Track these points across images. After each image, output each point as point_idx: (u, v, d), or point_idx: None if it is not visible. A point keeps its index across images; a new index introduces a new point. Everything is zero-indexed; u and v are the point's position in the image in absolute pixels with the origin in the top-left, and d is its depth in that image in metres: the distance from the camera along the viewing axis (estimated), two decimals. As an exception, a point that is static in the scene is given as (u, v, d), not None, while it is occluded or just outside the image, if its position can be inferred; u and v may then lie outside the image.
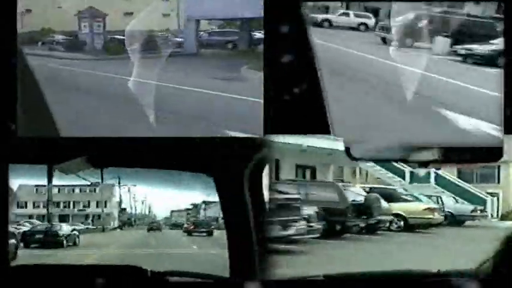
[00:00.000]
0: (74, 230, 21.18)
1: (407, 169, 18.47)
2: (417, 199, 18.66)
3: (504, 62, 5.21)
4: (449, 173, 19.21)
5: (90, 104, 15.38)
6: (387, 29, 19.16)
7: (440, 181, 19.96)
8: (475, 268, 2.84)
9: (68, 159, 4.56)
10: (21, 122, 3.84)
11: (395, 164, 15.75)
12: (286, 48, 4.46)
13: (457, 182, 20.20)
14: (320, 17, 22.70)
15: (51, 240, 20.00)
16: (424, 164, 3.87)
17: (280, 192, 12.98)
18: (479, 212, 19.76)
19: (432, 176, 19.68)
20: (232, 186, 4.60)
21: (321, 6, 23.56)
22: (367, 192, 16.05)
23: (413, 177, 19.33)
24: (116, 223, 22.97)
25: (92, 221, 22.70)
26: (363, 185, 17.22)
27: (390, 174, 18.78)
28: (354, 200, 15.44)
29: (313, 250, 13.53)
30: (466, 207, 19.63)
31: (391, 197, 17.53)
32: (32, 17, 20.23)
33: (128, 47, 18.48)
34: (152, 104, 14.78)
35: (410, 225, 17.59)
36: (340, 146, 4.04)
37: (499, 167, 19.79)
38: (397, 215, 17.28)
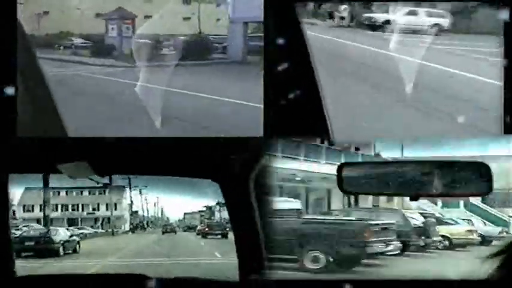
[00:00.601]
0: (73, 235, 20.14)
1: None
2: (456, 222, 22.00)
3: (504, 63, 5.38)
4: (475, 199, 22.31)
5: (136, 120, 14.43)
6: None
7: (468, 206, 23.17)
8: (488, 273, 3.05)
9: (70, 160, 4.74)
10: (28, 122, 4.01)
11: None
12: (285, 54, 4.68)
13: (483, 207, 23.32)
14: (380, 17, 19.79)
15: (44, 247, 18.48)
16: (415, 198, 4.15)
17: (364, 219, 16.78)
18: (505, 233, 22.73)
19: (461, 201, 22.68)
20: (238, 191, 4.80)
21: (371, 5, 20.20)
22: (425, 218, 19.70)
23: (445, 203, 22.58)
24: (127, 226, 22.91)
25: (102, 224, 22.41)
26: (419, 211, 20.46)
27: (424, 200, 21.26)
28: (414, 224, 18.79)
29: (391, 264, 16.71)
30: (494, 229, 22.71)
31: (436, 220, 21.08)
32: (50, 19, 19.73)
33: (159, 53, 17.72)
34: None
35: (452, 245, 21.08)
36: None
37: (518, 192, 23.30)
38: (443, 236, 20.73)
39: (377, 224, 16.66)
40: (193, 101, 15.77)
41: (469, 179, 4.03)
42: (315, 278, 14.84)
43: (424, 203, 21.73)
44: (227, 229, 19.32)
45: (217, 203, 20.86)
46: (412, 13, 19.90)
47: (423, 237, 19.04)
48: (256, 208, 4.90)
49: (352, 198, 19.93)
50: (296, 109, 4.70)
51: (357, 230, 16.01)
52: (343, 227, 15.91)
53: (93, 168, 4.96)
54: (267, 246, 4.94)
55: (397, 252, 17.25)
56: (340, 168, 4.12)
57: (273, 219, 15.53)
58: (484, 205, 23.49)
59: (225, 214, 20.23)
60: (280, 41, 4.62)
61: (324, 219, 16.72)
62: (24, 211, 22.11)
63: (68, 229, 21.03)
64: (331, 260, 15.28)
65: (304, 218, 16.67)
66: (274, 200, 16.38)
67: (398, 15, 19.80)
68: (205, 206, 22.04)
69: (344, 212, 18.57)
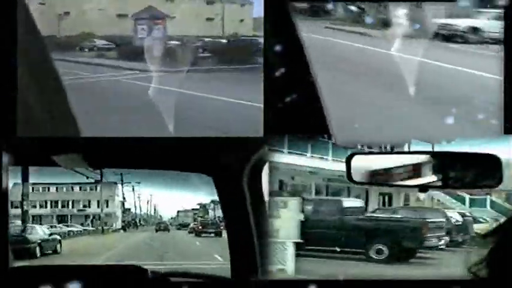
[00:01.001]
0: (53, 233, 19.14)
1: (467, 196, 22.51)
2: (486, 221, 23.23)
3: (504, 63, 5.62)
4: (499, 198, 23.11)
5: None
6: None
7: (493, 205, 24.17)
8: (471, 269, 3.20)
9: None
10: (41, 122, 4.18)
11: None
12: (283, 55, 4.93)
13: (508, 206, 24.11)
14: (461, 24, 15.84)
15: (18, 247, 16.81)
16: (424, 189, 4.24)
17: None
18: (529, 230, 24.86)
19: (488, 201, 23.37)
20: (232, 186, 5.03)
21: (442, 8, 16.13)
22: (463, 216, 21.59)
23: (472, 203, 23.37)
24: (119, 224, 22.92)
25: (92, 222, 22.23)
26: (460, 211, 22.01)
27: (453, 200, 22.54)
28: (455, 222, 20.93)
29: (438, 256, 18.82)
30: (519, 227, 24.94)
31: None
32: (70, 20, 19.37)
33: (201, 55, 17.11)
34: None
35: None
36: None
37: (543, 192, 24.80)
38: (476, 233, 22.07)
39: (432, 222, 19.32)
40: (245, 111, 15.03)
41: (479, 171, 4.15)
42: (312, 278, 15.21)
43: (453, 202, 22.92)
44: (221, 227, 19.49)
45: (212, 201, 21.04)
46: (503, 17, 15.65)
47: (462, 234, 20.91)
48: (250, 205, 5.12)
49: (387, 197, 21.50)
50: (296, 109, 4.95)
51: (417, 226, 18.69)
52: (404, 224, 18.71)
53: (86, 161, 5.19)
54: (261, 244, 5.15)
55: (443, 246, 19.60)
56: (349, 159, 4.24)
57: (342, 217, 17.92)
58: (509, 204, 24.43)
59: (219, 212, 20.40)
60: (278, 42, 4.87)
61: (384, 216, 19.26)
62: (12, 207, 22.10)
63: (55, 226, 20.52)
64: (394, 252, 17.89)
65: (366, 216, 19.09)
66: (342, 199, 19.11)
67: (485, 21, 15.94)
68: (198, 204, 22.21)
69: (390, 211, 20.39)
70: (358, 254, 17.79)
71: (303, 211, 16.71)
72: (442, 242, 19.61)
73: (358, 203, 19.75)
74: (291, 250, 14.91)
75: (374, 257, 17.96)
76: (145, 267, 4.75)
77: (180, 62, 16.58)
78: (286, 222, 15.17)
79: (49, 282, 4.57)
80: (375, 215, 19.66)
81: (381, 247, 18.09)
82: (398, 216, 19.68)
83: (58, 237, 19.06)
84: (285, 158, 17.91)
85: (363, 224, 18.59)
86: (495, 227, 3.19)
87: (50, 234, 18.89)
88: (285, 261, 14.57)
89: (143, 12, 19.06)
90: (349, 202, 19.37)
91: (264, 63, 5.27)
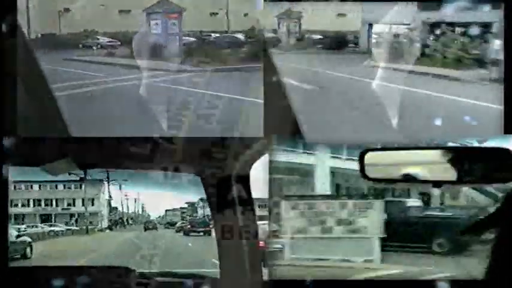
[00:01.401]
0: (20, 235, 18.24)
1: (499, 193, 23.60)
2: None
3: (504, 63, 5.82)
4: None
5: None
6: None
7: None
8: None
9: (50, 155, 5.13)
10: (27, 122, 4.33)
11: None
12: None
13: None
14: None
15: None
16: (438, 185, 4.33)
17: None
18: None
19: None
20: (220, 187, 5.22)
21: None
22: None
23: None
24: (105, 223, 22.88)
25: (76, 221, 22.05)
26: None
27: (486, 197, 23.83)
28: None
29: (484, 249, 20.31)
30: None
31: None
32: (71, 17, 19.09)
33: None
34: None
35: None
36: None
37: None
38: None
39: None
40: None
41: (492, 166, 4.20)
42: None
43: (486, 199, 24.03)
44: (210, 226, 19.57)
45: (200, 199, 21.18)
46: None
47: (493, 230, 22.85)
48: (238, 205, 5.30)
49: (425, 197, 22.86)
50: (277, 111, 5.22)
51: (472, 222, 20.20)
52: (460, 221, 20.09)
53: (74, 161, 5.35)
54: (249, 244, 5.32)
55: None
56: (362, 155, 4.30)
57: (406, 215, 19.81)
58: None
59: (208, 211, 20.48)
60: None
61: (440, 214, 20.79)
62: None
63: (36, 226, 20.37)
64: (453, 245, 19.38)
65: (425, 214, 20.62)
66: (405, 200, 20.49)
67: None
68: (187, 203, 22.34)
69: (438, 209, 21.80)
70: (423, 248, 19.59)
71: (386, 211, 18.37)
72: (492, 236, 21.09)
73: (417, 202, 21.40)
74: (377, 244, 17.38)
75: (437, 250, 19.76)
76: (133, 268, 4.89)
77: (202, 60, 16.40)
78: (372, 220, 17.77)
79: (42, 283, 4.72)
80: (429, 212, 21.13)
81: (441, 241, 19.88)
82: (450, 213, 21.14)
83: (28, 239, 18.11)
84: (344, 163, 19.25)
85: (424, 221, 20.35)
86: (473, 224, 3.43)
87: (18, 236, 17.96)
88: (372, 253, 17.06)
89: (156, 5, 18.47)
90: (411, 202, 21.11)
91: (264, 70, 5.51)
